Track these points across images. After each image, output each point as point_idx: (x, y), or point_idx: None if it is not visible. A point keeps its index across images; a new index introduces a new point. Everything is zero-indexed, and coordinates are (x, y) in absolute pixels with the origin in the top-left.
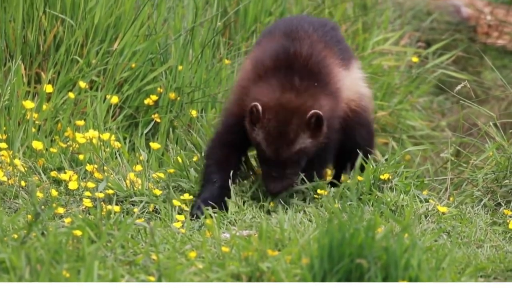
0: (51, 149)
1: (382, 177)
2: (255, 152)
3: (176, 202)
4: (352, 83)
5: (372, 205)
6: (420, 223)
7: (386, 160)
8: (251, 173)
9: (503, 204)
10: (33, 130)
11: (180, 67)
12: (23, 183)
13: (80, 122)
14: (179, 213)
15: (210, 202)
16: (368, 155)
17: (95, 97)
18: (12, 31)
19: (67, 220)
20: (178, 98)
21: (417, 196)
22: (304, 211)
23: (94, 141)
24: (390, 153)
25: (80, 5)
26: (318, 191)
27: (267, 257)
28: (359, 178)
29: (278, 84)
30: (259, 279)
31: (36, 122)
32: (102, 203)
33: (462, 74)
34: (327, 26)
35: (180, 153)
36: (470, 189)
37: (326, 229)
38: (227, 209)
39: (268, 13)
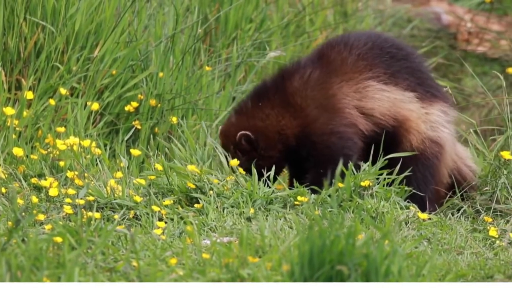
0: (32, 156)
1: (362, 184)
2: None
3: (156, 208)
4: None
5: (352, 212)
6: (401, 230)
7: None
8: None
9: (483, 211)
10: (14, 136)
11: (160, 74)
12: (3, 190)
13: (61, 129)
14: (159, 220)
15: None
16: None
17: (76, 104)
18: None
19: (48, 227)
20: (159, 105)
21: (398, 203)
22: (285, 217)
23: (75, 147)
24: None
25: (60, 12)
26: (299, 197)
27: (248, 263)
28: (340, 184)
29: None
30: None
31: (17, 128)
32: (82, 209)
33: (443, 81)
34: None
35: (161, 158)
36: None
37: (307, 236)
38: None
39: (249, 20)
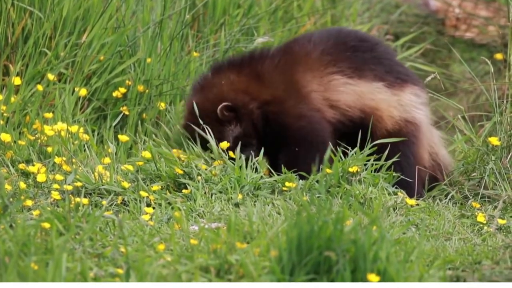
0: (19, 142)
1: (350, 169)
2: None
3: (144, 194)
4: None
5: (340, 198)
6: (389, 215)
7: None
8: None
9: (471, 197)
10: (1, 122)
11: (148, 60)
12: None
13: (49, 115)
14: (147, 206)
15: None
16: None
17: (64, 90)
18: None
19: (36, 213)
20: (147, 91)
21: (386, 189)
22: (273, 203)
23: (63, 133)
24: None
25: None
26: (287, 183)
27: (236, 249)
28: (328, 170)
29: None
30: (227, 272)
31: (4, 114)
32: (70, 195)
33: (431, 67)
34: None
35: (149, 144)
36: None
37: (295, 221)
38: None
39: (237, 5)
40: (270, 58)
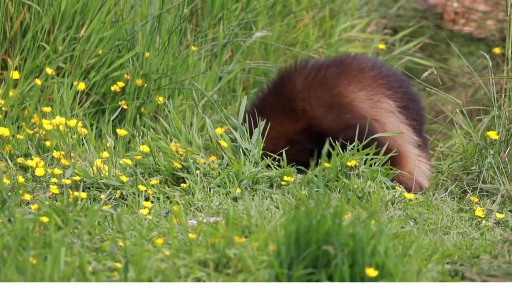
0: (18, 136)
1: (349, 163)
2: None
3: (142, 187)
4: None
5: (339, 192)
6: (387, 210)
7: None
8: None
9: (470, 191)
10: (0, 116)
11: (147, 54)
12: None
13: (47, 109)
14: (146, 200)
15: None
16: None
17: (62, 84)
18: None
19: (34, 207)
20: (145, 85)
21: (384, 183)
22: (271, 197)
23: (61, 127)
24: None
25: None
26: (285, 177)
27: (234, 243)
28: (326, 164)
29: None
30: (226, 266)
31: (3, 108)
32: (69, 189)
33: (429, 61)
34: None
35: (148, 138)
36: (437, 176)
37: (293, 215)
38: None
39: (235, 0)
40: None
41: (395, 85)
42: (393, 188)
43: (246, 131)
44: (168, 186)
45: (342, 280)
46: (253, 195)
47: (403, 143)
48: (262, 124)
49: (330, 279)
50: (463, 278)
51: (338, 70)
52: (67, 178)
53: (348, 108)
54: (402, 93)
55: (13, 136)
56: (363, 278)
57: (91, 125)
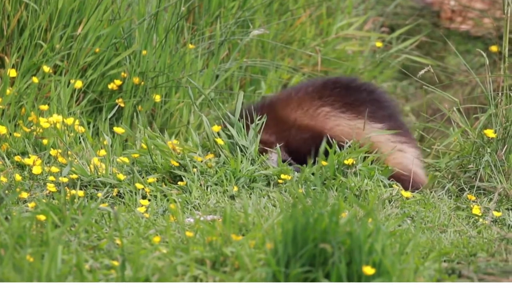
0: (15, 134)
1: (346, 162)
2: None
3: (139, 186)
4: None
5: (336, 190)
6: (384, 208)
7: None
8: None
9: (467, 189)
10: None
11: (144, 52)
12: None
13: (44, 107)
14: (143, 198)
15: None
16: None
17: (59, 82)
18: None
19: (31, 205)
20: (142, 83)
21: (381, 181)
22: (268, 196)
23: (58, 125)
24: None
25: None
26: (282, 176)
27: (231, 241)
28: (323, 163)
29: None
30: (223, 264)
31: (0, 106)
32: (66, 187)
33: (426, 59)
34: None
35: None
36: (434, 174)
37: (290, 214)
38: None
39: None
40: None
41: (327, 93)
42: (390, 186)
43: (243, 127)
44: (165, 184)
45: (339, 278)
46: (250, 193)
47: (361, 133)
48: (258, 121)
49: (327, 277)
50: (460, 276)
51: (283, 98)
52: (64, 176)
53: (295, 127)
54: (339, 95)
55: (10, 134)
56: (360, 276)
57: (88, 123)
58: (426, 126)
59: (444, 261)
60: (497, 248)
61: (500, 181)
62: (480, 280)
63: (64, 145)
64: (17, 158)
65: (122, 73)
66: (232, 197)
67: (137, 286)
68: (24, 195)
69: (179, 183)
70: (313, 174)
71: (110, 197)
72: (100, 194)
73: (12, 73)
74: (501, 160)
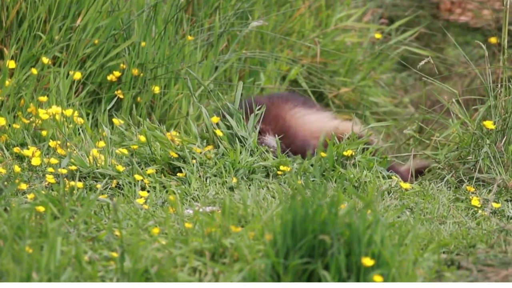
0: (14, 125)
1: (345, 153)
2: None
3: (138, 177)
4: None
5: (335, 182)
6: (383, 199)
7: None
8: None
9: (466, 181)
10: None
11: (143, 43)
12: None
13: (43, 98)
14: (142, 189)
15: None
16: None
17: (58, 73)
18: None
19: (30, 196)
20: (141, 74)
21: (380, 173)
22: (267, 187)
23: (57, 117)
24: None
25: None
26: (281, 167)
27: (230, 233)
28: (322, 154)
29: None
30: (222, 255)
31: None
32: (65, 179)
33: (425, 51)
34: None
35: (144, 128)
36: (433, 165)
37: (289, 205)
38: None
39: None
40: None
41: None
42: (389, 177)
43: (242, 118)
44: (165, 176)
45: (338, 269)
46: (249, 185)
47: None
48: (257, 111)
49: (326, 268)
50: (459, 268)
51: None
52: (63, 168)
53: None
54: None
55: (9, 125)
56: (359, 268)
57: (87, 114)
58: (425, 117)
59: (443, 252)
60: (496, 240)
61: (499, 172)
62: (479, 271)
63: (63, 136)
64: (16, 149)
65: (121, 65)
66: (231, 189)
67: (137, 286)
68: (23, 186)
69: (178, 174)
70: (312, 165)
71: (109, 189)
72: (99, 186)
73: (11, 64)
74: (500, 152)
